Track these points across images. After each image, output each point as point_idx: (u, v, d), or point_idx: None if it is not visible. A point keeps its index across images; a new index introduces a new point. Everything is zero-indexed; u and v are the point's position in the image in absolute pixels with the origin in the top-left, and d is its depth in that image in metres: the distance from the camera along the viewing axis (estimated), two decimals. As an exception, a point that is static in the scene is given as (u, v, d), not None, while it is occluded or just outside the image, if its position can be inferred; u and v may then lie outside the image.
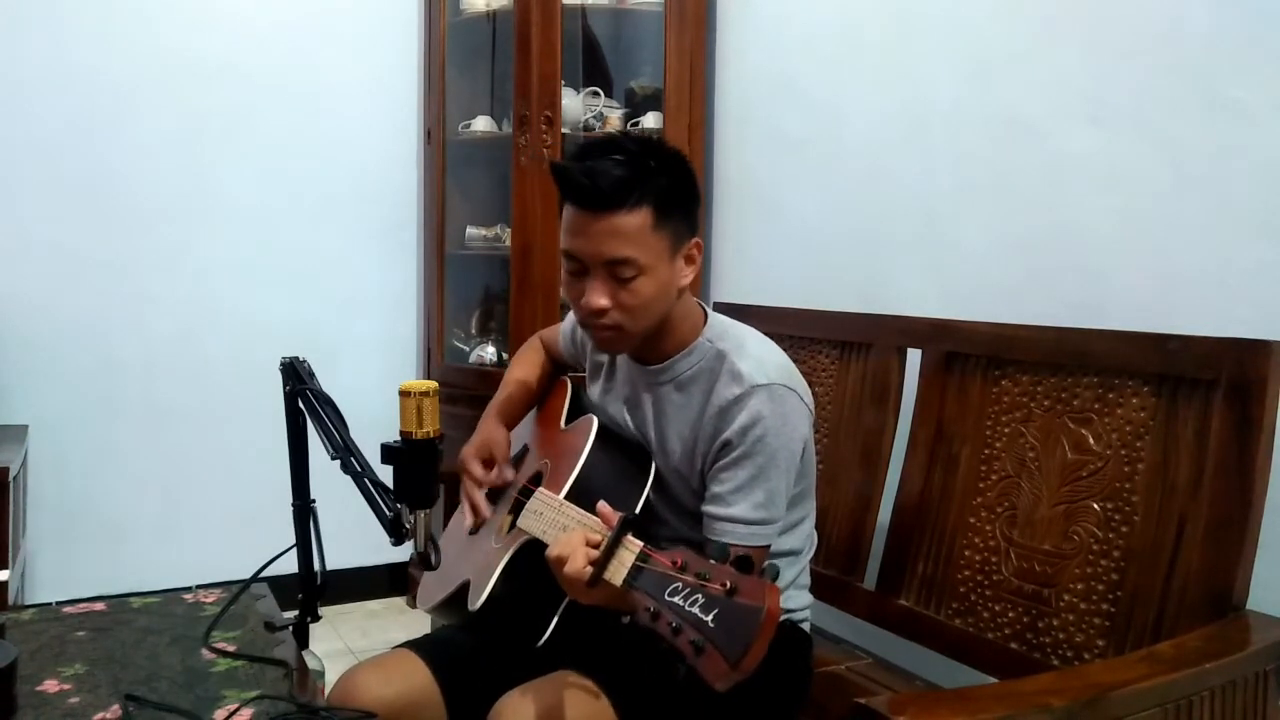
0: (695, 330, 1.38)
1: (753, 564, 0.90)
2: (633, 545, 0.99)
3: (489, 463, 1.47)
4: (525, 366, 1.64)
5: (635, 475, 1.36)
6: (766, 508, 1.28)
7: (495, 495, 1.49)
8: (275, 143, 2.84)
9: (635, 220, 1.24)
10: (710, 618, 0.87)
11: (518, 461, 1.55)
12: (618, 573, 0.98)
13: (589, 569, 1.02)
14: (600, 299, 1.27)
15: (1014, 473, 1.54)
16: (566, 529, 1.16)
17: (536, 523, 1.27)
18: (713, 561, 0.91)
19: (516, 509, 1.38)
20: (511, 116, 2.69)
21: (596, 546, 1.04)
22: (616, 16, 2.89)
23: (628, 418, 1.43)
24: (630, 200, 1.23)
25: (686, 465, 1.36)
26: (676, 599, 0.90)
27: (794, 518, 1.42)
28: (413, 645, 1.40)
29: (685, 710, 1.29)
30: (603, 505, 1.08)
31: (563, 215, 1.30)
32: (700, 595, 0.89)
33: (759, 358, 1.33)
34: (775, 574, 0.91)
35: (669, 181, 1.27)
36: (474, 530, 1.49)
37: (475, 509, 1.43)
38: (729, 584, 0.88)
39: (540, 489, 1.34)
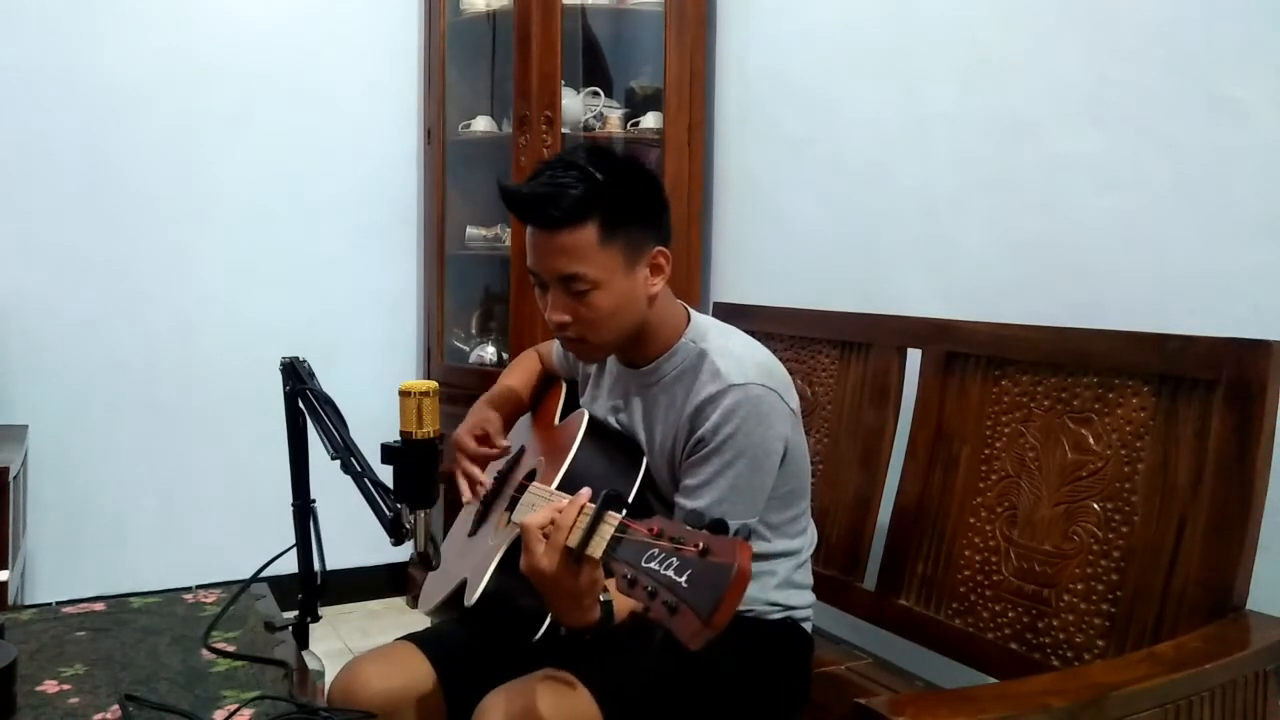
0: (678, 332, 1.39)
1: (727, 527, 0.91)
2: (613, 519, 1.00)
3: (483, 439, 1.48)
4: (518, 375, 1.66)
5: (627, 466, 1.37)
6: (730, 502, 1.29)
7: (492, 498, 1.50)
8: (275, 143, 2.84)
9: (581, 237, 1.26)
10: (684, 579, 0.89)
11: (514, 462, 1.55)
12: (598, 546, 0.99)
13: (570, 540, 1.01)
14: (559, 314, 1.30)
15: (1014, 473, 1.54)
16: None
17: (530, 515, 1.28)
18: (688, 527, 0.93)
19: (513, 507, 1.38)
20: (511, 116, 2.69)
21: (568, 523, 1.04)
22: (616, 16, 2.89)
23: (615, 422, 1.44)
24: (573, 217, 1.25)
25: (672, 462, 1.37)
26: (653, 564, 0.92)
27: (786, 516, 1.42)
28: (413, 638, 1.41)
29: (680, 708, 1.30)
30: (584, 490, 1.08)
31: None
32: (675, 559, 0.90)
33: (739, 357, 1.34)
34: (748, 534, 0.92)
35: (620, 193, 1.28)
36: (477, 525, 1.50)
37: (471, 481, 1.43)
38: (702, 545, 0.89)
39: (534, 484, 1.35)
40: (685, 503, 1.30)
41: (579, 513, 1.03)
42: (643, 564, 0.92)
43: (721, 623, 0.86)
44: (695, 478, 1.30)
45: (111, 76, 2.64)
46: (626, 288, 1.30)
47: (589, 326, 1.31)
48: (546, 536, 1.05)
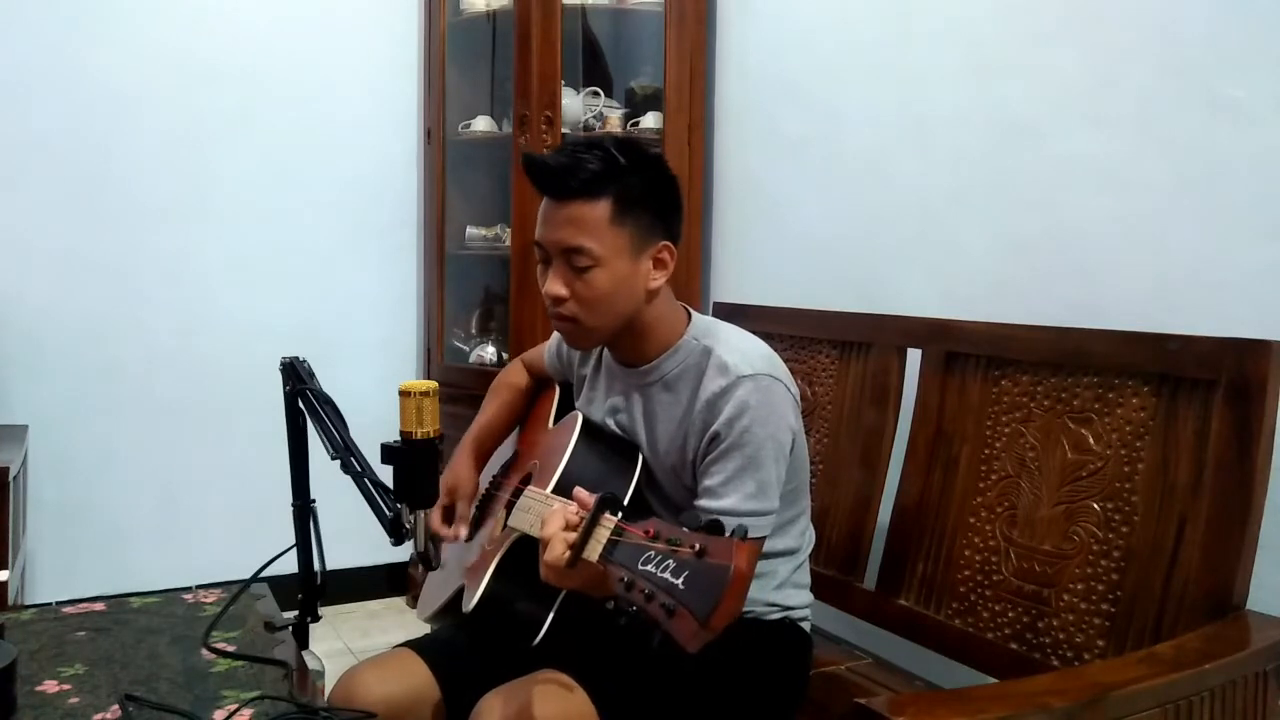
0: (678, 330, 1.39)
1: (723, 527, 0.91)
2: (608, 522, 1.00)
3: (450, 509, 1.48)
4: (496, 405, 1.64)
5: (623, 466, 1.37)
6: (758, 498, 1.28)
7: (487, 501, 1.50)
8: (275, 143, 2.84)
9: (594, 211, 1.27)
10: (681, 580, 0.88)
11: (509, 467, 1.56)
12: (594, 550, 0.99)
13: (568, 553, 1.02)
14: (557, 287, 1.30)
15: (1014, 473, 1.54)
16: None
17: (525, 518, 1.28)
18: (685, 529, 0.92)
19: (509, 510, 1.38)
20: (511, 116, 2.69)
21: (575, 528, 1.05)
22: (616, 16, 2.89)
23: (613, 424, 1.44)
24: (591, 191, 1.26)
25: (678, 461, 1.36)
26: (649, 567, 0.91)
27: (788, 515, 1.42)
28: (413, 645, 1.41)
29: (678, 708, 1.30)
30: (579, 491, 1.09)
31: None
32: (671, 560, 0.90)
33: (743, 350, 1.34)
34: (744, 533, 0.91)
35: (638, 181, 1.29)
36: (473, 530, 1.50)
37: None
38: (698, 546, 0.89)
39: (529, 488, 1.34)
40: (710, 504, 1.29)
41: (574, 520, 1.04)
42: (639, 567, 0.92)
43: (720, 624, 0.86)
44: (716, 477, 1.29)
45: (111, 77, 2.64)
46: (627, 273, 1.30)
47: (584, 305, 1.30)
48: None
